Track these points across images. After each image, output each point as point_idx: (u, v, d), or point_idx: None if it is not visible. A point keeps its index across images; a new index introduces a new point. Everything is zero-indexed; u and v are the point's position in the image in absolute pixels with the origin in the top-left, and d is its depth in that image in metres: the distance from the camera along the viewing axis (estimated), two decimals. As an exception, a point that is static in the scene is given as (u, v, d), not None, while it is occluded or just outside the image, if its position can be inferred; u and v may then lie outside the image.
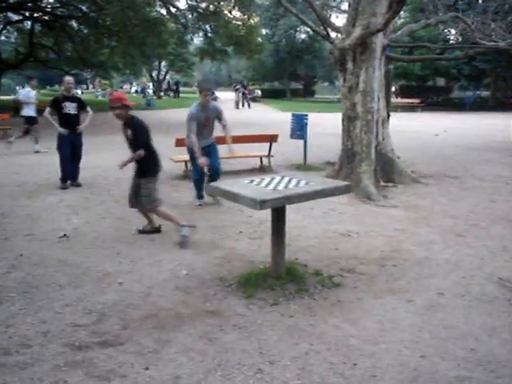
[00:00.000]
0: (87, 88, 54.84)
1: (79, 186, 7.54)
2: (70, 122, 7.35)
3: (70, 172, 7.50)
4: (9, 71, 25.90)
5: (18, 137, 11.75)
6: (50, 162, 9.69)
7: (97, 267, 4.30)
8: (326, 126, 14.92)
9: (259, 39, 26.04)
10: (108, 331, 3.19)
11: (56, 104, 7.35)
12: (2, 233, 5.23)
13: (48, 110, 7.35)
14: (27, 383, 2.63)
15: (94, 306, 3.54)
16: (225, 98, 35.83)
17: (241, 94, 32.11)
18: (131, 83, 56.94)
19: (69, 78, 7.62)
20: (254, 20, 23.29)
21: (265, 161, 8.99)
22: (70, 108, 7.36)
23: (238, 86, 32.21)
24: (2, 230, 5.32)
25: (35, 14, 22.61)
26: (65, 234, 5.21)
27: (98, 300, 3.65)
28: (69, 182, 7.51)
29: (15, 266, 4.29)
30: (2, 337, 3.10)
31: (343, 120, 7.99)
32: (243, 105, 31.49)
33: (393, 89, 33.70)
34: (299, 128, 9.63)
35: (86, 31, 23.03)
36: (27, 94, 11.83)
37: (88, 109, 7.66)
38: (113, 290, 3.83)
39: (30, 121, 11.62)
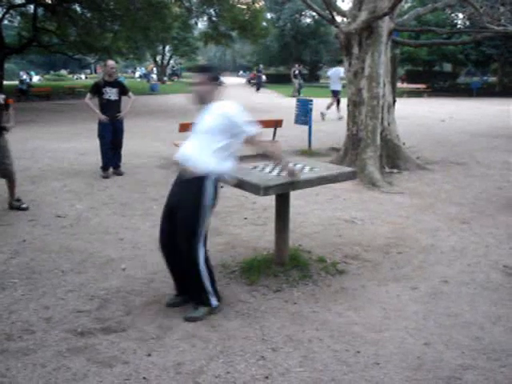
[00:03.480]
0: (91, 73, 54.58)
1: (121, 174, 7.27)
2: (110, 108, 7.02)
3: (111, 160, 7.24)
4: (12, 56, 25.71)
5: (328, 108, 14.70)
6: (54, 147, 9.68)
7: (100, 253, 4.30)
8: (331, 111, 14.85)
9: (264, 23, 25.59)
10: (111, 317, 3.19)
11: (97, 89, 7.04)
12: (5, 218, 5.23)
13: (88, 95, 7.08)
14: (30, 369, 2.63)
15: (96, 292, 3.54)
16: (231, 83, 35.39)
17: (301, 81, 26.29)
18: (135, 68, 56.60)
19: (111, 62, 7.28)
20: (259, 4, 22.99)
21: (269, 146, 8.91)
22: (111, 94, 7.01)
23: (296, 72, 26.61)
24: (5, 216, 5.32)
25: (38, -2, 22.34)
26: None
27: (100, 286, 3.65)
28: (111, 169, 7.26)
29: (18, 252, 4.29)
30: (4, 322, 3.11)
31: (348, 105, 7.90)
32: (299, 93, 25.19)
33: (402, 72, 33.20)
34: (304, 113, 9.54)
35: (89, 15, 22.79)
36: (336, 71, 14.74)
37: (130, 94, 7.30)
38: (116, 276, 3.82)
39: (336, 93, 14.83)
